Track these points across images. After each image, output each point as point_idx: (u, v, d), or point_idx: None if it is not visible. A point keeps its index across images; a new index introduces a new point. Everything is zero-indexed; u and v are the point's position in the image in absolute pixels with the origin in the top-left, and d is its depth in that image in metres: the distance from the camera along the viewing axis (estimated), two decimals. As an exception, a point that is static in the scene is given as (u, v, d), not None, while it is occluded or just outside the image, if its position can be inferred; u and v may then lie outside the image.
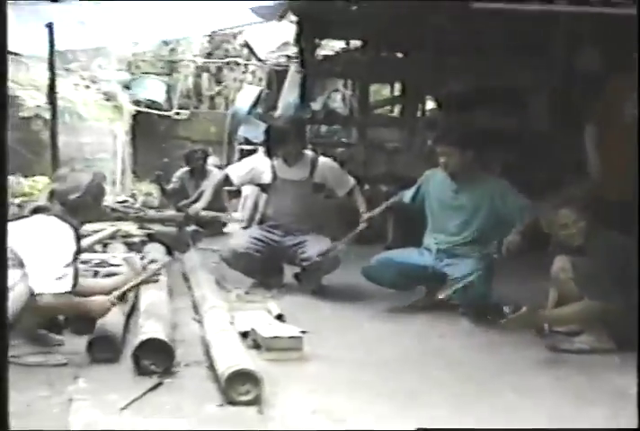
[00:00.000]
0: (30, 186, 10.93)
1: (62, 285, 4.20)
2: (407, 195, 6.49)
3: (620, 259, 4.94)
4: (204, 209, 6.91)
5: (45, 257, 4.24)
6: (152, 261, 5.74)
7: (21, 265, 4.22)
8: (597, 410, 3.96)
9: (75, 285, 4.35)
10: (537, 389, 4.31)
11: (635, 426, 3.18)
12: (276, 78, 15.50)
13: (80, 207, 4.57)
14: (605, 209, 5.34)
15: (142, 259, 6.40)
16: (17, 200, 9.60)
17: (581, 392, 4.26)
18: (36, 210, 4.66)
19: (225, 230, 10.42)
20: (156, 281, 5.23)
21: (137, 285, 4.90)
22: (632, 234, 5.27)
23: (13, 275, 4.19)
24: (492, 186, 6.10)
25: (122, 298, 4.73)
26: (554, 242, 5.39)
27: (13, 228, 4.53)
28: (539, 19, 8.37)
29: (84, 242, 6.35)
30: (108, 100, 14.91)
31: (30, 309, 4.21)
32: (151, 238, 8.12)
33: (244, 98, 15.92)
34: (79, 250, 4.62)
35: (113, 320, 4.62)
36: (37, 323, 4.48)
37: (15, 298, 4.16)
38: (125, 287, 4.68)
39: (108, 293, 4.55)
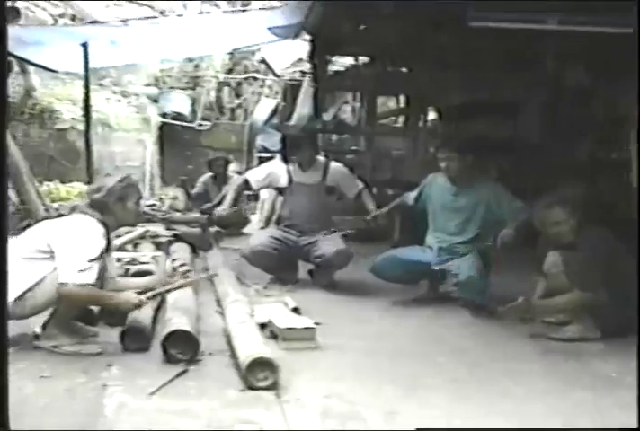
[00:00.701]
0: (66, 191, 10.95)
1: (85, 277, 4.19)
2: (410, 197, 6.49)
3: (606, 254, 4.96)
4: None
5: (72, 250, 4.25)
6: (182, 265, 5.72)
7: (53, 258, 4.24)
8: (583, 393, 3.99)
9: (100, 279, 4.34)
10: (530, 374, 4.33)
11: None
12: (291, 92, 15.50)
13: (104, 207, 4.56)
14: None
15: (174, 261, 6.40)
16: (55, 204, 9.64)
17: (569, 377, 4.28)
18: (73, 209, 4.70)
19: (244, 230, 10.43)
20: (195, 285, 5.24)
21: (172, 290, 4.87)
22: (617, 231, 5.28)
23: (45, 267, 4.22)
24: (488, 189, 6.11)
25: (154, 298, 4.73)
26: (542, 240, 5.38)
27: (50, 224, 4.60)
28: (532, 37, 8.37)
29: (117, 242, 6.38)
30: (137, 112, 14.93)
31: (58, 300, 4.24)
32: (177, 238, 8.13)
33: (262, 110, 15.95)
34: (108, 247, 4.64)
35: (143, 312, 4.63)
36: (71, 315, 4.49)
37: (45, 289, 4.20)
38: (159, 290, 4.66)
39: (140, 292, 4.54)
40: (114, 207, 4.59)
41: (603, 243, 5.05)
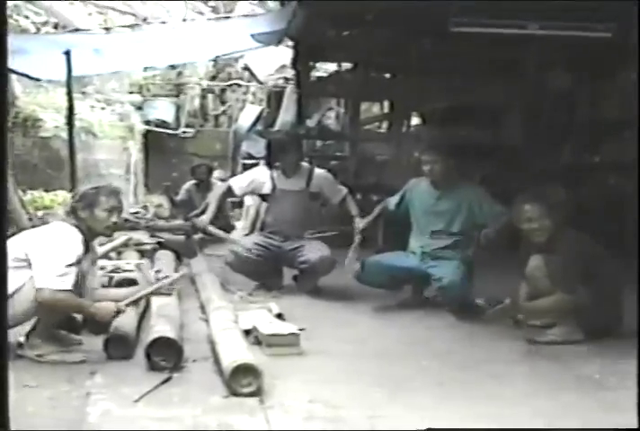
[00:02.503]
0: (50, 199, 10.92)
1: (62, 282, 4.18)
2: (392, 202, 6.51)
3: (586, 256, 5.00)
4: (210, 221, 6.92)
5: (48, 256, 4.24)
6: (167, 277, 5.72)
7: (30, 266, 4.23)
8: (567, 395, 4.00)
9: (78, 286, 4.32)
10: (514, 376, 4.35)
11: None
12: (275, 98, 15.51)
13: (76, 213, 4.55)
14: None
15: (157, 272, 6.38)
16: (40, 213, 9.61)
17: (553, 379, 4.30)
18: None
19: (229, 240, 10.40)
20: (170, 294, 5.22)
21: (147, 296, 4.86)
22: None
23: (22, 275, 4.20)
24: (470, 193, 6.14)
25: (135, 304, 4.71)
26: (524, 243, 5.41)
27: (28, 233, 4.58)
28: (514, 42, 8.43)
29: (100, 250, 6.36)
30: (121, 120, 14.91)
31: (37, 307, 4.22)
32: (161, 246, 8.11)
33: (246, 117, 15.94)
34: (91, 257, 4.63)
35: (127, 320, 4.62)
36: (54, 324, 4.48)
37: (22, 298, 4.17)
38: (135, 297, 4.63)
39: (121, 300, 4.52)
40: (82, 214, 4.54)
41: (583, 246, 5.09)
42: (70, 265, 4.25)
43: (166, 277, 5.55)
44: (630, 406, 3.70)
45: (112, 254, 7.47)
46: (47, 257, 4.24)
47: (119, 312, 4.41)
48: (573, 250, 5.02)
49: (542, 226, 5.11)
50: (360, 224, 6.57)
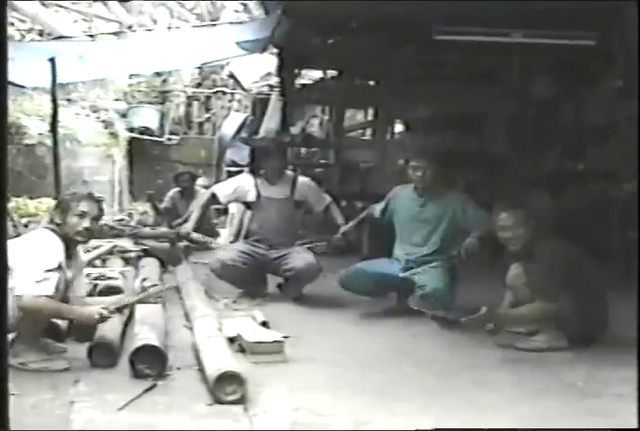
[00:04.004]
0: (35, 207, 10.89)
1: (43, 288, 4.17)
2: (377, 209, 6.53)
3: (566, 264, 5.02)
4: (194, 229, 6.91)
5: (29, 261, 4.22)
6: (154, 285, 5.70)
7: (11, 275, 4.20)
8: (550, 402, 4.02)
9: (59, 291, 4.29)
10: (498, 383, 4.35)
11: (635, 425, 3.18)
12: (260, 105, 15.48)
13: (52, 219, 4.57)
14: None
15: (144, 280, 6.36)
16: (24, 220, 9.58)
17: (536, 386, 4.31)
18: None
19: (213, 245, 10.39)
20: (156, 302, 5.21)
21: (133, 304, 4.85)
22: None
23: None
24: (454, 200, 6.17)
25: (119, 311, 4.69)
26: (507, 251, 5.43)
27: (11, 243, 4.55)
28: (497, 50, 8.47)
29: (85, 258, 6.33)
30: (106, 127, 14.89)
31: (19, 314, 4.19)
32: (146, 253, 8.09)
33: (230, 124, 15.92)
34: (76, 264, 4.62)
35: (111, 328, 4.61)
36: (38, 331, 4.45)
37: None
38: (120, 304, 4.60)
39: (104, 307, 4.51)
40: (58, 220, 4.54)
41: (562, 254, 5.11)
42: (50, 270, 4.24)
43: (153, 285, 5.54)
44: (613, 412, 3.75)
45: (97, 262, 7.44)
46: (26, 262, 4.21)
47: (102, 318, 4.37)
48: (551, 258, 5.05)
49: (516, 235, 5.14)
50: (343, 227, 6.58)
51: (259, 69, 15.29)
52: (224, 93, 17.41)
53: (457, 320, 5.14)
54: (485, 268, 6.70)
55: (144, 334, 4.41)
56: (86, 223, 4.56)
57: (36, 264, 4.23)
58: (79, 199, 4.61)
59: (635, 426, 3.16)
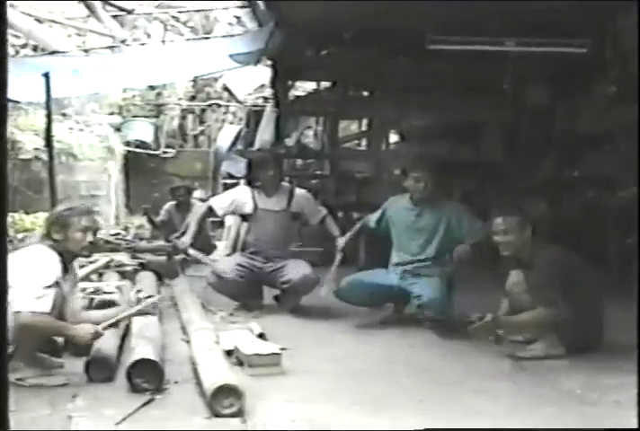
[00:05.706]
0: (31, 222, 10.88)
1: (40, 304, 4.16)
2: (372, 219, 6.54)
3: (564, 270, 5.02)
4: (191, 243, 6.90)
5: (26, 278, 4.20)
6: (149, 296, 5.69)
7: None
8: (548, 410, 4.01)
9: (56, 308, 4.29)
10: (496, 392, 4.35)
11: (635, 425, 3.18)
12: (254, 117, 15.46)
13: (50, 235, 4.54)
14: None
15: (138, 292, 6.35)
16: (20, 235, 9.57)
17: (535, 394, 4.31)
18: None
19: (209, 263, 10.38)
20: (154, 314, 5.20)
21: (129, 317, 4.85)
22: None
23: None
24: (450, 209, 6.19)
25: (115, 326, 4.69)
26: (504, 259, 5.43)
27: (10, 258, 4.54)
28: (491, 58, 8.49)
29: (81, 272, 6.33)
30: (101, 141, 14.89)
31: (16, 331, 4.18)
32: (143, 267, 8.09)
33: (225, 136, 15.97)
34: (73, 279, 4.61)
35: (108, 342, 4.61)
36: (35, 347, 4.45)
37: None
38: (115, 318, 4.61)
39: (101, 323, 4.50)
40: (57, 236, 4.53)
41: (561, 260, 5.12)
42: (48, 287, 4.24)
43: (148, 296, 5.54)
44: (611, 421, 3.75)
45: (94, 276, 7.44)
46: (24, 280, 4.19)
47: (98, 335, 4.38)
48: (551, 265, 5.05)
49: (508, 240, 5.15)
50: (340, 241, 6.58)
51: (253, 81, 15.32)
52: (218, 106, 17.45)
53: (456, 328, 5.14)
54: (484, 276, 6.70)
55: (141, 348, 4.40)
56: (90, 237, 4.58)
57: (34, 281, 4.22)
58: (80, 214, 4.61)
59: (635, 426, 3.17)
